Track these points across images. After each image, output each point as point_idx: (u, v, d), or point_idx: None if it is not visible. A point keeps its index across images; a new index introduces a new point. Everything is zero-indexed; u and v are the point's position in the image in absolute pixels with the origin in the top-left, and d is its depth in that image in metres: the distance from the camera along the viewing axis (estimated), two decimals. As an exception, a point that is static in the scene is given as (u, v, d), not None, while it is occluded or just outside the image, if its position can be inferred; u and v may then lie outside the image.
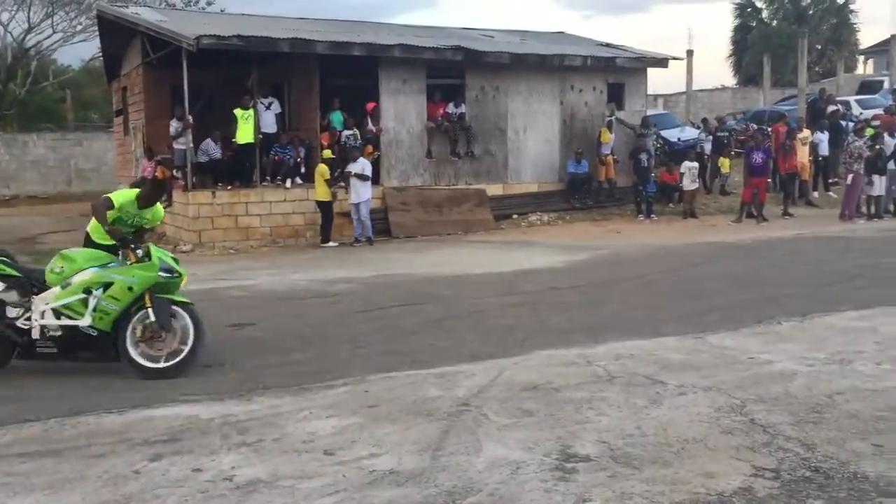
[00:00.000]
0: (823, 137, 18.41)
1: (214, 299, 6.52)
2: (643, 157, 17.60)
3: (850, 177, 16.21)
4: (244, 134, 15.45)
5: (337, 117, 16.65)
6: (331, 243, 14.86)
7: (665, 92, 33.34)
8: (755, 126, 20.39)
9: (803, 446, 4.31)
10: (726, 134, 19.96)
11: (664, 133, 21.25)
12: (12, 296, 6.31)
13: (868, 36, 47.37)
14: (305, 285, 10.76)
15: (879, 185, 16.00)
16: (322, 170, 14.84)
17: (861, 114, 21.43)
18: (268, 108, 16.11)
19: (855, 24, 43.92)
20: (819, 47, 41.72)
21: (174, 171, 16.18)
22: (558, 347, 6.72)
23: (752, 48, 40.76)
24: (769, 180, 17.29)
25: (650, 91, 24.27)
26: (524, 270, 11.42)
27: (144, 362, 6.17)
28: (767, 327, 7.29)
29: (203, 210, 15.08)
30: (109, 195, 6.56)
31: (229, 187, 15.57)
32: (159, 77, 17.32)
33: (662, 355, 6.38)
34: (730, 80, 44.65)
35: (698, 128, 21.37)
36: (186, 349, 6.18)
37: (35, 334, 6.20)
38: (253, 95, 15.67)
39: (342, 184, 15.14)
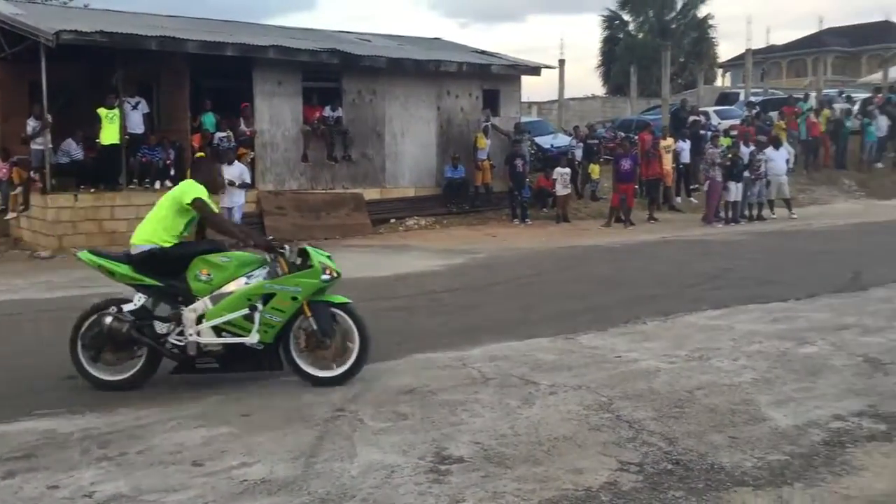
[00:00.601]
0: (685, 146, 19.34)
1: (75, 308, 6.19)
2: (518, 162, 17.98)
3: (707, 183, 17.15)
4: (109, 134, 14.77)
5: (209, 119, 16.19)
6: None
7: (539, 99, 34.28)
8: (623, 134, 21.21)
9: (665, 440, 4.50)
10: (596, 141, 20.70)
11: (538, 139, 21.79)
12: (160, 308, 5.86)
13: (726, 50, 50.24)
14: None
15: (735, 191, 16.95)
16: (197, 173, 14.35)
17: (719, 124, 22.67)
18: (134, 107, 15.44)
19: (714, 38, 46.58)
20: (682, 60, 43.94)
21: (31, 173, 15.34)
22: (434, 350, 6.76)
23: (619, 59, 42.49)
24: (636, 186, 18.02)
25: (525, 98, 24.89)
26: (401, 274, 11.44)
27: (316, 372, 5.81)
28: (634, 327, 7.58)
29: (63, 214, 14.30)
30: (201, 196, 5.87)
31: (93, 190, 14.84)
32: (16, 73, 16.33)
33: (535, 356, 6.52)
34: (600, 89, 46.42)
35: (570, 135, 22.04)
36: (354, 351, 5.81)
37: (191, 350, 5.73)
38: (118, 94, 15.01)
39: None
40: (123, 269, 5.81)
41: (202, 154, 5.23)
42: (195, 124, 16.13)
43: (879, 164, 23.01)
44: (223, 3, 66.67)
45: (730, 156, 16.96)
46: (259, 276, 5.83)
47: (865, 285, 9.29)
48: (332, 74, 17.57)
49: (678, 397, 5.31)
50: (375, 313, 8.61)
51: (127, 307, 5.79)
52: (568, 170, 18.41)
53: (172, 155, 15.68)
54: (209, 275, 5.78)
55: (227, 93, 16.65)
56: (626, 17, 45.99)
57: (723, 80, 48.79)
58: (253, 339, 5.72)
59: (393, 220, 17.46)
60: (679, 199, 19.52)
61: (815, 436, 4.50)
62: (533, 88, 79.01)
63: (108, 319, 5.69)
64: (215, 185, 6.29)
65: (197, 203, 5.85)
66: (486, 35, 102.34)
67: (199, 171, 6.41)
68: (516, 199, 17.98)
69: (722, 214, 17.13)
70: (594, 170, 19.69)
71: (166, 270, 5.79)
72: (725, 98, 30.35)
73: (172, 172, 15.53)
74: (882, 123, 22.81)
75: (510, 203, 18.18)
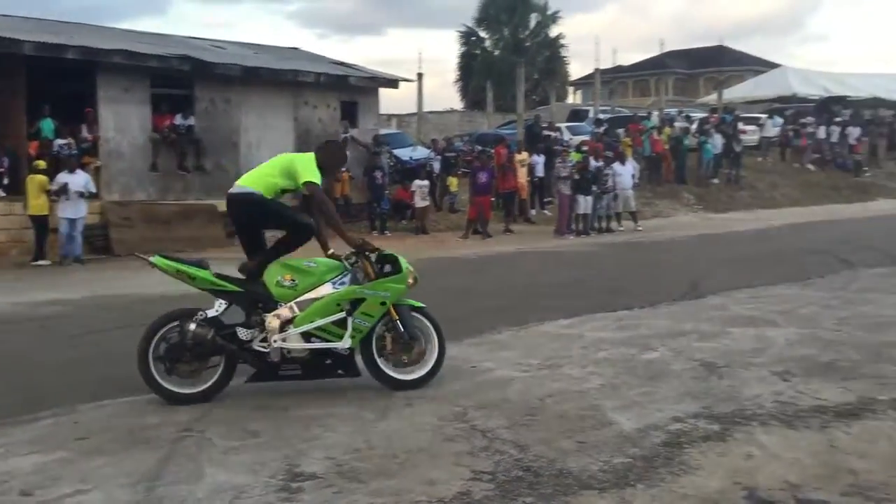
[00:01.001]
0: (539, 160, 19.97)
1: None
2: (377, 174, 18.00)
3: (558, 196, 17.80)
4: (-66, 140, 13.66)
5: (48, 125, 15.28)
6: (44, 261, 13.54)
7: (398, 112, 34.46)
8: (480, 148, 21.65)
9: (517, 448, 4.58)
10: (454, 154, 21.02)
11: (397, 152, 21.89)
12: (239, 314, 5.64)
13: (577, 69, 52.36)
14: (8, 309, 9.69)
15: (585, 204, 17.64)
16: (41, 181, 13.49)
17: (571, 139, 23.56)
18: (-37, 111, 14.36)
19: (565, 58, 48.42)
20: (536, 77, 45.43)
21: None
22: (289, 365, 6.60)
23: (477, 74, 43.39)
24: (493, 199, 18.41)
25: (384, 111, 24.96)
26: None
27: (399, 375, 5.80)
28: (489, 337, 7.71)
29: None
30: (317, 182, 5.62)
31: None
32: None
33: (391, 368, 6.48)
34: (458, 103, 47.22)
35: (429, 148, 22.27)
36: (434, 353, 5.87)
37: (275, 357, 5.57)
38: (-56, 97, 13.92)
39: (64, 197, 13.79)
40: (203, 273, 5.67)
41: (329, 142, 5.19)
42: (32, 130, 15.16)
43: (715, 180, 24.58)
44: (69, 6, 63.29)
45: (577, 170, 17.63)
46: (344, 282, 5.74)
47: (703, 293, 9.85)
48: (184, 81, 17.01)
49: (530, 405, 5.42)
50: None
51: (209, 313, 5.59)
52: (427, 182, 18.59)
53: (6, 163, 14.68)
54: (293, 280, 5.67)
55: (69, 98, 15.76)
56: (483, 34, 47.10)
57: (574, 98, 50.84)
58: (345, 343, 5.65)
59: (248, 233, 16.99)
60: (534, 212, 20.12)
61: (655, 438, 4.70)
62: (392, 101, 79.60)
63: (193, 326, 5.48)
64: (331, 173, 6.20)
65: (311, 187, 5.66)
66: (346, 47, 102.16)
67: (329, 153, 6.11)
68: (375, 211, 17.98)
69: (574, 227, 17.76)
70: (452, 182, 19.98)
71: (251, 223, 5.82)
72: (576, 115, 31.59)
73: (6, 182, 14.54)
74: (717, 142, 24.40)
75: (369, 215, 18.15)
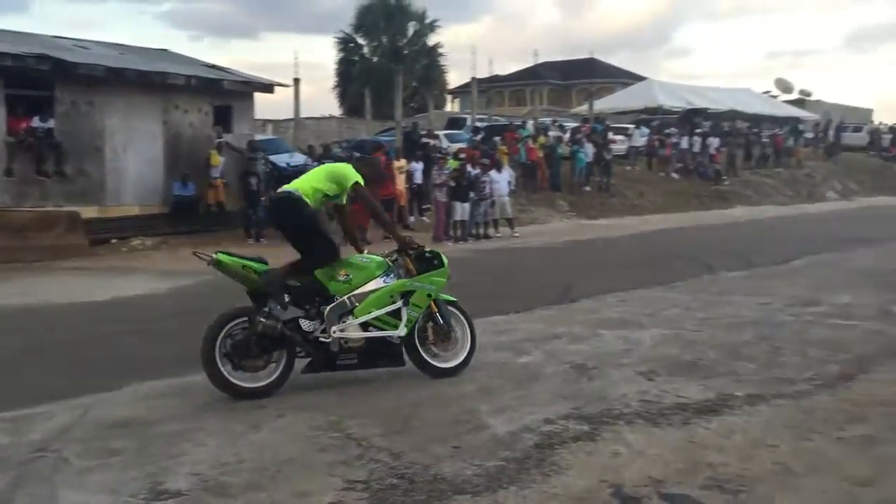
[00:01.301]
0: (418, 167, 20.05)
1: None
2: (253, 180, 17.60)
3: (435, 203, 17.94)
4: None
5: None
6: None
7: (275, 118, 33.86)
8: (358, 154, 21.52)
9: (391, 455, 4.55)
10: (332, 161, 20.78)
11: (274, 158, 21.43)
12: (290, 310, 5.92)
13: (454, 78, 53.00)
14: None
15: (463, 211, 17.84)
16: None
17: (449, 146, 23.79)
18: None
19: (443, 66, 48.88)
20: (414, 85, 45.67)
21: None
22: (154, 379, 6.35)
23: (355, 81, 43.19)
24: (371, 206, 18.29)
25: (260, 116, 24.44)
26: (120, 299, 10.67)
27: (440, 364, 6.27)
28: (365, 344, 7.63)
29: None
30: (361, 183, 6.11)
31: None
32: None
33: (265, 379, 6.33)
34: (336, 109, 46.87)
35: (306, 154, 21.97)
36: (468, 343, 6.40)
37: (335, 347, 5.91)
38: None
39: None
40: (265, 268, 5.87)
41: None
42: None
43: (587, 188, 25.40)
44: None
45: (454, 177, 17.82)
46: (392, 276, 6.18)
47: (576, 297, 10.12)
48: (43, 82, 16.10)
49: (405, 412, 5.40)
50: (89, 340, 7.97)
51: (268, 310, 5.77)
52: (303, 189, 18.29)
53: None
54: (348, 275, 6.05)
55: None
56: (361, 41, 46.95)
57: (452, 106, 51.39)
58: (401, 332, 6.07)
59: (115, 241, 16.29)
60: (412, 219, 20.17)
61: (528, 440, 4.77)
62: (269, 106, 78.13)
63: (262, 320, 5.67)
64: (374, 182, 6.65)
65: (358, 187, 6.10)
66: (220, 50, 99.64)
67: (366, 164, 6.79)
68: (251, 218, 17.56)
69: (451, 233, 17.92)
70: (330, 189, 19.76)
71: (288, 222, 6.14)
72: (454, 122, 31.96)
73: None
74: (589, 150, 25.22)
75: (244, 222, 17.71)
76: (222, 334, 5.71)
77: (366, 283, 6.06)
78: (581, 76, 53.81)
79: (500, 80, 54.33)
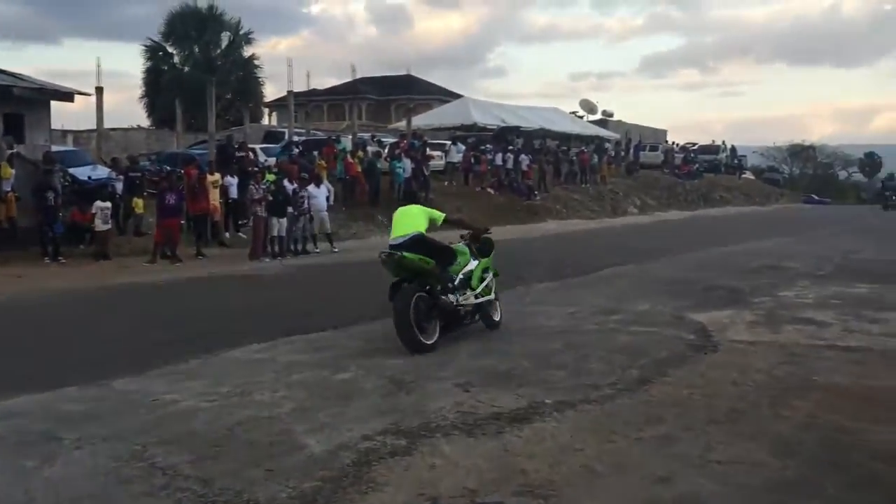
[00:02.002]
0: (233, 181, 19.47)
1: None
2: (49, 195, 16.36)
3: (252, 218, 17.48)
4: None
5: None
6: None
7: (76, 128, 31.76)
8: (168, 168, 20.61)
9: (201, 483, 4.34)
10: (139, 174, 19.77)
11: (73, 171, 20.06)
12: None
13: (272, 91, 52.05)
14: None
15: (280, 226, 17.49)
16: None
17: (266, 161, 23.29)
18: None
19: (260, 78, 47.81)
20: (229, 97, 44.36)
21: None
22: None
23: (165, 91, 41.28)
24: (182, 221, 17.60)
25: (58, 126, 22.85)
26: None
27: (497, 318, 8.77)
28: (175, 367, 7.28)
29: None
30: (444, 217, 8.67)
31: None
32: None
33: (62, 408, 5.89)
34: (144, 120, 44.65)
35: (110, 167, 20.74)
36: (499, 303, 8.98)
37: (462, 312, 8.15)
38: None
39: None
40: (431, 262, 7.88)
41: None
42: None
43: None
44: None
45: (272, 191, 17.47)
46: (473, 258, 8.61)
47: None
48: None
49: (217, 436, 5.19)
50: None
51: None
52: (108, 204, 17.26)
53: None
54: (458, 261, 8.33)
55: None
56: (171, 50, 44.98)
57: (269, 119, 50.42)
58: (493, 296, 8.68)
59: None
60: (228, 235, 19.55)
61: (345, 458, 4.71)
62: (69, 116, 73.30)
63: (443, 297, 7.90)
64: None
65: (447, 222, 8.65)
66: (15, 55, 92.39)
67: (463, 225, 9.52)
68: (47, 236, 16.31)
69: (269, 249, 17.51)
70: (138, 204, 18.75)
71: (426, 250, 7.96)
72: (272, 136, 31.34)
73: None
74: (407, 166, 25.53)
75: (40, 240, 16.41)
76: (412, 305, 7.57)
77: (466, 265, 8.44)
78: (399, 92, 54.50)
79: (319, 94, 53.96)
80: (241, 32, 45.32)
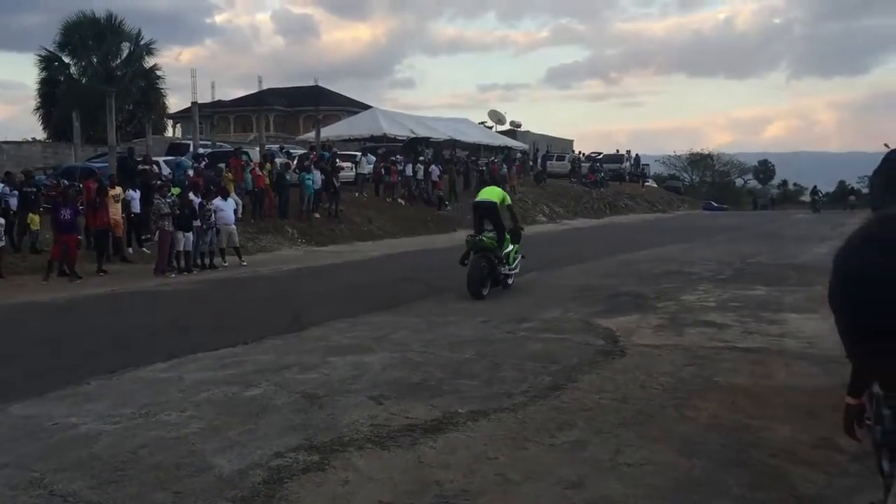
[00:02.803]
0: (135, 195, 18.86)
1: None
2: (-65, 211, 15.50)
3: (157, 233, 16.97)
4: None
5: None
6: None
7: (-35, 141, 30.22)
8: (66, 182, 19.81)
9: (104, 509, 4.17)
10: (35, 189, 18.94)
11: (-38, 186, 19.06)
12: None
13: (176, 102, 50.84)
14: None
15: (186, 240, 17.04)
16: None
17: (170, 173, 22.66)
18: None
19: (163, 89, 46.53)
20: (130, 108, 42.98)
21: None
22: None
23: (61, 102, 39.72)
24: (80, 237, 16.94)
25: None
26: None
27: (510, 283, 12.95)
28: (76, 389, 6.98)
29: None
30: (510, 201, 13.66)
31: None
32: None
33: (-50, 437, 5.56)
34: (40, 133, 42.85)
35: (3, 182, 19.78)
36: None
37: (503, 277, 12.59)
38: None
39: None
40: (494, 245, 12.32)
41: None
42: None
43: (317, 215, 25.44)
44: None
45: (177, 205, 17.03)
46: (510, 244, 12.90)
47: (305, 325, 10.03)
48: None
49: (121, 459, 4.99)
50: None
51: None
52: (2, 220, 16.46)
53: None
54: (505, 242, 12.59)
55: None
56: (67, 60, 43.30)
57: (173, 131, 49.19)
58: (517, 269, 13.17)
59: None
60: (131, 250, 18.92)
61: (256, 476, 4.61)
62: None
63: (500, 267, 12.39)
64: None
65: (510, 204, 13.44)
66: None
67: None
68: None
69: (175, 264, 17.04)
70: (34, 220, 17.96)
71: (491, 216, 12.56)
72: (176, 148, 30.52)
73: None
74: (317, 178, 25.30)
75: (-74, 259, 15.53)
76: (481, 267, 11.92)
77: (508, 247, 12.70)
78: (308, 103, 54.05)
79: (225, 105, 53.03)
80: (143, 42, 44.03)
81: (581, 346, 8.36)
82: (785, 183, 74.39)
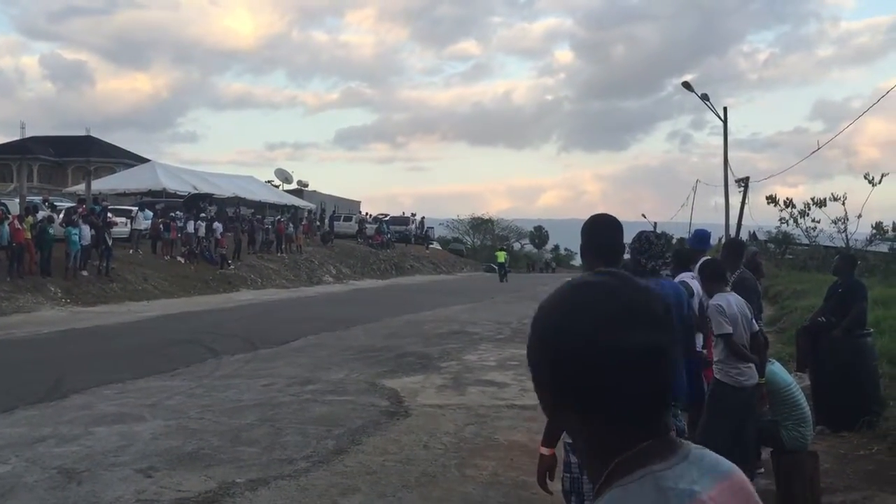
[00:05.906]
0: None
1: None
2: None
3: None
4: None
5: None
6: None
7: None
8: None
9: None
10: None
11: None
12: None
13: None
14: None
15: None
16: None
17: None
18: None
19: None
20: None
21: None
22: None
23: None
24: None
25: None
26: None
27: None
28: None
29: None
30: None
31: None
32: None
33: None
34: None
35: None
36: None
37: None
38: None
39: None
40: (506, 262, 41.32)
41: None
42: None
43: (85, 272, 23.65)
44: None
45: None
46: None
47: (66, 393, 9.16)
48: None
49: None
50: None
51: None
52: None
53: None
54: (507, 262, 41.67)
55: None
56: None
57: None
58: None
59: None
60: None
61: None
62: None
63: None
64: None
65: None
66: None
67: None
68: None
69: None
70: None
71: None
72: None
73: None
74: (86, 232, 23.59)
75: None
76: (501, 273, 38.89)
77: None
78: (78, 154, 50.75)
79: (-19, 152, 48.44)
80: None
81: (366, 407, 8.27)
82: (557, 247, 79.52)
